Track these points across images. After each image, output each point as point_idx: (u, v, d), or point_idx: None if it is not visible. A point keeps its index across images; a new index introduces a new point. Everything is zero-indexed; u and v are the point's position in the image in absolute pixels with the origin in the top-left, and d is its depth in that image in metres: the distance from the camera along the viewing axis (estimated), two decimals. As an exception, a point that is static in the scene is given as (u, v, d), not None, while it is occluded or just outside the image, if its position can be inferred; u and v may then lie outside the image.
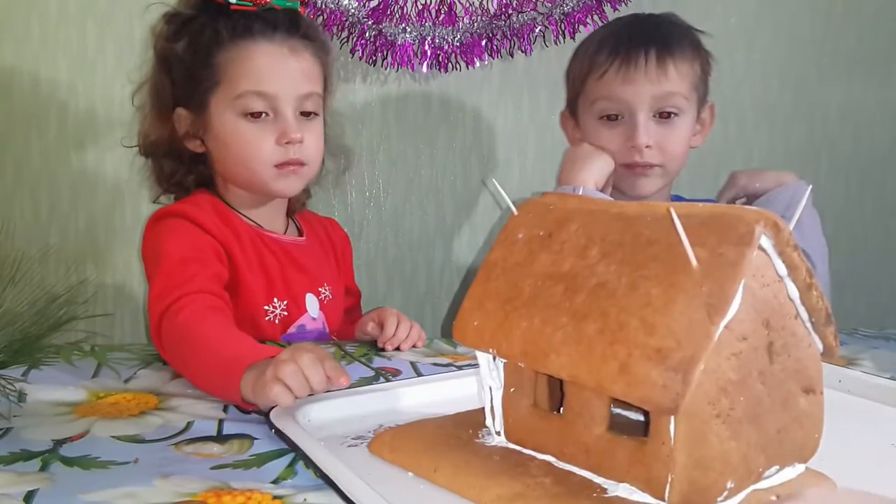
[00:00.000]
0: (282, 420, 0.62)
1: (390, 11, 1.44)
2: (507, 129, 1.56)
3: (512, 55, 1.50)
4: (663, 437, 0.43)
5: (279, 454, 0.58)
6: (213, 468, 0.55)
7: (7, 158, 1.40)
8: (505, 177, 1.57)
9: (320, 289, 1.08)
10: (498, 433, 0.55)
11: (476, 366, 0.58)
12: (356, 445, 0.60)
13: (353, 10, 1.43)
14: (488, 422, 0.56)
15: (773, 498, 0.47)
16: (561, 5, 1.48)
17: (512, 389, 0.53)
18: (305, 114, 1.01)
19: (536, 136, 1.55)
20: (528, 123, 1.56)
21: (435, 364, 0.88)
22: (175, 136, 1.02)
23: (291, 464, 0.56)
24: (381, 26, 1.45)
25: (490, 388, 0.55)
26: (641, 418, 0.49)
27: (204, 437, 0.62)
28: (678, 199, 1.23)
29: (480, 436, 0.56)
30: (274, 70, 0.98)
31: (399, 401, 0.70)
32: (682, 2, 1.56)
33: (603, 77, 1.10)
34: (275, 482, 0.53)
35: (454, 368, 0.85)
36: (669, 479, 0.43)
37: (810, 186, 0.52)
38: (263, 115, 0.98)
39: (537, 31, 1.49)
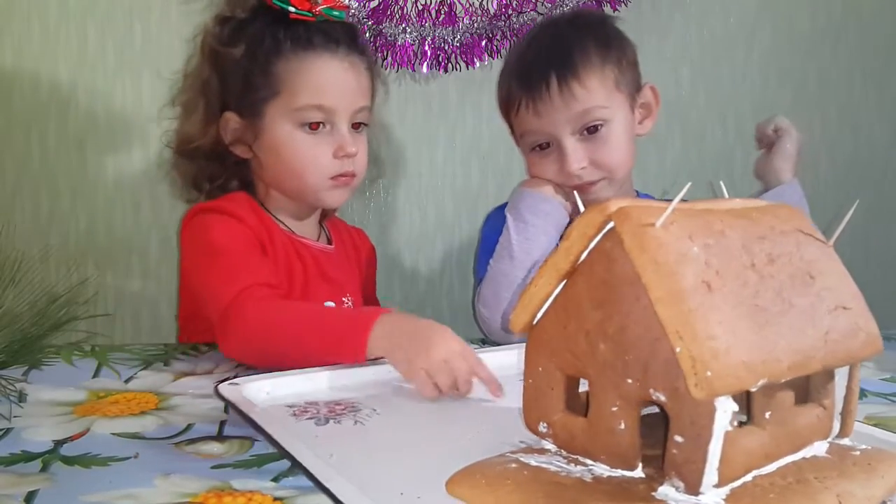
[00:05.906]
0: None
1: (390, 11, 1.44)
2: (507, 129, 1.56)
3: (512, 55, 1.50)
4: (829, 394, 0.52)
5: (281, 455, 0.58)
6: (213, 468, 0.55)
7: (7, 159, 1.40)
8: (505, 177, 1.57)
9: (343, 298, 1.08)
10: (715, 485, 0.45)
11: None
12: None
13: (353, 11, 1.43)
14: (709, 477, 0.44)
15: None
16: (561, 5, 1.48)
17: (743, 419, 0.47)
18: (356, 126, 1.03)
19: (536, 137, 1.55)
20: (528, 123, 1.55)
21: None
22: (220, 139, 1.02)
23: (293, 465, 0.56)
24: (381, 26, 1.45)
25: (723, 432, 0.44)
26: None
27: (204, 436, 0.62)
28: (647, 196, 1.21)
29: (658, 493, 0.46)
30: (335, 85, 0.99)
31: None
32: (682, 2, 1.56)
33: (517, 113, 1.09)
34: (276, 482, 0.53)
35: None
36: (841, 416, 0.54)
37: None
38: (321, 126, 0.99)
39: (537, 31, 1.49)
